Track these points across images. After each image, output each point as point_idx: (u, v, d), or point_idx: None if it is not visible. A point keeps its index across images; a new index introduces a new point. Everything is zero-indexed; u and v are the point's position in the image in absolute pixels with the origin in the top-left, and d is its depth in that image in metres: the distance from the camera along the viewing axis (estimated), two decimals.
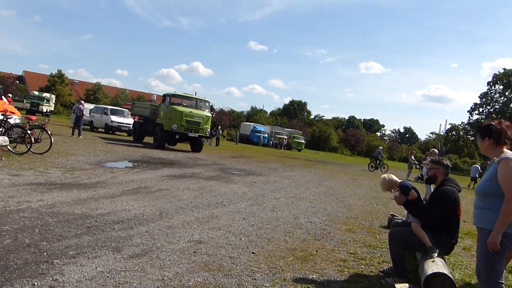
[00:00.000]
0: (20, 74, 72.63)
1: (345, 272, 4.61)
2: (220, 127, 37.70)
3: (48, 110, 41.88)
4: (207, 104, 21.11)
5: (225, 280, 3.91)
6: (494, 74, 58.51)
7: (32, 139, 11.04)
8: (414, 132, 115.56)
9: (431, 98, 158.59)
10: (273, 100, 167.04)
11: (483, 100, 59.35)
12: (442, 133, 69.40)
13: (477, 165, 26.05)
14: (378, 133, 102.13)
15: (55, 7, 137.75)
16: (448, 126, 65.78)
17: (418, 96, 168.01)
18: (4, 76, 56.41)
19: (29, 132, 11.00)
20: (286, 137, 52.60)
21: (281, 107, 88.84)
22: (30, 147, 10.95)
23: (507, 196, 3.05)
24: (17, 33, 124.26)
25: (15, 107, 15.97)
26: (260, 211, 7.62)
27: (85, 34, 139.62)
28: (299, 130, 60.59)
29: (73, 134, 19.60)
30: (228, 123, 61.76)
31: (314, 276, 4.34)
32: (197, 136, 19.75)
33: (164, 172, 11.31)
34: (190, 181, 10.31)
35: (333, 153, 63.76)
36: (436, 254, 4.11)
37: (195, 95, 22.26)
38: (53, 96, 47.05)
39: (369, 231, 7.07)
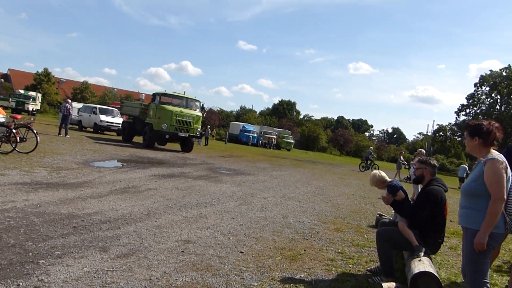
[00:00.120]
0: (5, 72, 71.57)
1: (333, 271, 4.63)
2: (209, 126, 37.60)
3: (34, 109, 41.30)
4: (197, 103, 20.88)
5: (213, 280, 3.90)
6: (481, 75, 59.42)
7: (18, 138, 10.87)
8: (402, 133, 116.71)
9: (419, 99, 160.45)
10: (262, 99, 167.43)
11: (470, 101, 60.20)
12: (429, 134, 70.15)
13: (465, 166, 26.36)
14: (367, 133, 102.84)
15: (42, 4, 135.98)
16: (436, 127, 66.60)
17: (406, 96, 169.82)
18: None
19: (14, 131, 10.83)
20: (275, 137, 52.63)
21: (270, 107, 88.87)
22: (16, 146, 10.79)
23: (493, 197, 3.08)
24: (2, 30, 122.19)
25: (0, 106, 15.70)
26: (248, 210, 7.62)
27: (71, 32, 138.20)
28: (288, 130, 60.70)
29: (59, 133, 19.35)
30: (217, 123, 61.64)
31: (302, 275, 4.35)
32: (187, 136, 19.53)
33: (152, 171, 11.23)
34: (178, 180, 10.26)
35: (322, 153, 63.98)
36: (422, 253, 4.15)
37: (184, 94, 22.09)
38: (39, 95, 46.45)
39: (357, 230, 7.11)
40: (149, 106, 20.51)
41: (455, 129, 62.42)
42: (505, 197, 3.11)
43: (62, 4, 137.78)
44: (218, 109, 73.31)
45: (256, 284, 3.94)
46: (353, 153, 70.49)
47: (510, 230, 3.33)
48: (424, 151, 13.49)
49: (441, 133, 64.54)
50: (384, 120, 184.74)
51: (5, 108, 26.41)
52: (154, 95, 20.33)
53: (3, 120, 11.99)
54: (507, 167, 3.18)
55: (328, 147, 69.71)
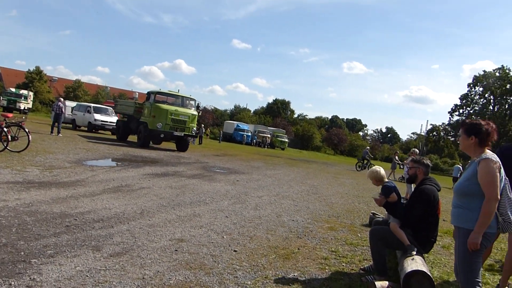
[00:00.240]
0: None
1: (326, 270, 4.64)
2: (203, 125, 37.51)
3: (25, 108, 40.95)
4: (193, 102, 20.59)
5: (206, 279, 3.90)
6: (474, 76, 60.04)
7: (9, 137, 10.78)
8: (396, 132, 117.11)
9: (412, 99, 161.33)
10: (256, 98, 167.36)
11: (464, 101, 60.73)
12: (423, 134, 70.59)
13: (459, 166, 26.51)
14: (361, 133, 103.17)
15: (33, 1, 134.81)
16: (429, 127, 67.10)
17: (400, 96, 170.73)
18: None
19: (5, 129, 10.73)
20: (269, 136, 52.65)
21: (264, 105, 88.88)
22: (7, 145, 10.70)
23: (487, 197, 3.08)
24: None
25: None
26: (242, 209, 7.61)
27: (64, 30, 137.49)
28: (282, 129, 60.74)
29: (52, 132, 19.21)
30: (211, 122, 61.55)
31: (295, 274, 4.35)
32: (182, 135, 19.25)
33: (146, 170, 11.19)
34: (172, 179, 10.23)
35: (316, 152, 64.10)
36: (414, 252, 4.18)
37: (178, 92, 21.91)
38: (31, 93, 46.04)
39: (350, 229, 7.14)
40: (144, 104, 20.22)
41: (449, 129, 62.96)
42: (499, 196, 3.12)
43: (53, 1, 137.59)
44: (212, 108, 73.25)
45: (249, 283, 3.94)
46: (347, 152, 70.76)
47: (503, 229, 3.35)
48: (417, 151, 13.57)
49: (434, 133, 65.03)
50: (378, 119, 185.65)
51: None
52: (149, 93, 20.00)
53: None
54: (500, 167, 3.17)
55: (322, 146, 69.88)
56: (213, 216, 6.72)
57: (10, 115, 12.53)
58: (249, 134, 52.31)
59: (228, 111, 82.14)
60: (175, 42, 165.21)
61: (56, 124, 19.31)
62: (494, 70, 58.48)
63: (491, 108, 59.26)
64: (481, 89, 59.44)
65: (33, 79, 58.21)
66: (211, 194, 8.75)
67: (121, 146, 18.50)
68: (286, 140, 55.29)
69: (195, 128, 20.12)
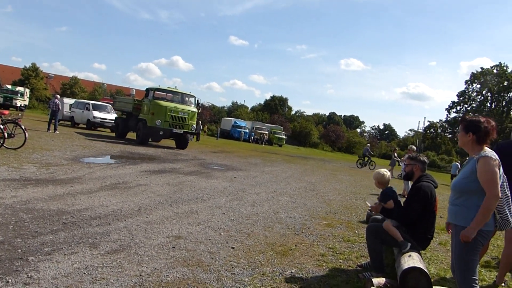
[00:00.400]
0: None
1: (324, 267, 4.65)
2: (200, 122, 37.45)
3: (22, 105, 40.72)
4: (192, 99, 20.31)
5: (204, 276, 3.90)
6: (472, 73, 60.17)
7: (5, 134, 10.74)
8: (394, 129, 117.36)
9: (410, 96, 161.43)
10: (254, 95, 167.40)
11: (461, 98, 60.87)
12: (420, 130, 70.79)
13: (457, 163, 26.56)
14: (358, 130, 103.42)
15: None
16: (427, 124, 67.26)
17: (397, 93, 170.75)
18: None
19: (1, 127, 10.69)
20: (267, 132, 52.71)
21: (262, 102, 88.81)
22: (3, 142, 10.66)
23: (488, 194, 3.04)
24: None
25: None
26: (240, 206, 7.62)
27: (60, 26, 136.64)
28: (280, 125, 60.82)
29: (48, 129, 19.15)
30: (208, 118, 61.47)
31: (293, 271, 4.36)
32: (182, 132, 19.00)
33: (143, 167, 11.17)
34: (169, 176, 10.22)
35: (314, 148, 64.22)
36: (407, 248, 4.19)
37: (175, 88, 21.73)
38: (28, 90, 45.78)
39: (348, 226, 7.15)
40: (143, 101, 19.94)
41: (446, 126, 63.13)
42: (500, 195, 3.08)
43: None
44: (210, 104, 73.08)
45: (247, 279, 3.95)
46: (345, 149, 70.91)
47: (500, 227, 3.34)
48: (415, 148, 13.57)
49: (432, 129, 65.18)
50: (375, 116, 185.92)
51: None
52: (148, 90, 19.71)
53: None
54: (500, 165, 3.14)
55: (319, 143, 70.00)
56: (211, 213, 6.72)
57: (6, 112, 12.45)
58: (247, 131, 52.31)
59: (226, 108, 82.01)
60: (172, 39, 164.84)
61: (53, 121, 19.23)
62: (491, 67, 58.65)
63: (489, 105, 59.43)
64: (478, 86, 59.59)
65: (29, 76, 57.88)
66: (209, 191, 8.75)
67: (118, 143, 18.44)
68: (284, 136, 55.36)
69: (194, 125, 19.90)
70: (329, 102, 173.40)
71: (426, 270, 3.79)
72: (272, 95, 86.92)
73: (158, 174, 10.31)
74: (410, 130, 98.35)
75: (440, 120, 65.27)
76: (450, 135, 62.44)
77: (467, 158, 3.42)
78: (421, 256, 4.28)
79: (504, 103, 58.12)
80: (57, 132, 18.85)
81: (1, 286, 3.20)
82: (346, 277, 4.37)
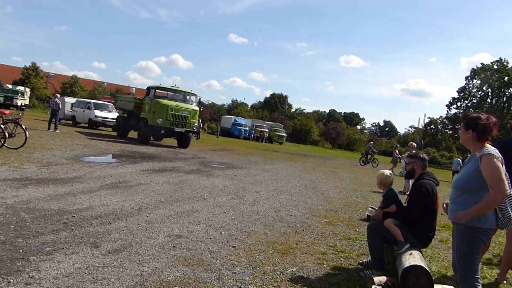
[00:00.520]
0: None
1: (325, 265, 4.66)
2: (200, 120, 37.44)
3: (23, 104, 40.77)
4: (194, 97, 20.17)
5: (204, 275, 3.91)
6: (472, 68, 59.93)
7: (6, 133, 10.75)
8: (394, 126, 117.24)
9: (410, 92, 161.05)
10: (254, 93, 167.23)
11: (461, 94, 60.74)
12: (420, 127, 70.71)
13: (459, 159, 26.51)
14: (358, 127, 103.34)
15: None
16: (427, 120, 67.11)
17: (397, 90, 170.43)
18: None
19: (2, 126, 10.70)
20: (267, 130, 52.67)
21: (262, 100, 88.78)
22: (4, 142, 10.67)
23: (496, 190, 2.99)
24: None
25: None
26: (240, 204, 7.62)
27: (59, 25, 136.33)
28: (280, 123, 60.77)
29: (49, 128, 19.16)
30: (208, 116, 61.45)
31: (294, 269, 4.37)
32: (183, 131, 18.83)
33: (143, 166, 11.18)
34: (170, 175, 10.22)
35: (314, 146, 64.20)
36: (405, 248, 4.19)
37: (175, 86, 21.62)
38: (28, 90, 45.83)
39: (348, 224, 7.16)
40: (144, 100, 19.81)
41: (446, 122, 63.01)
42: (508, 192, 3.04)
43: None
44: (210, 102, 73.06)
45: (248, 278, 3.95)
46: (345, 146, 70.86)
47: (502, 225, 3.32)
48: (415, 145, 13.57)
49: (432, 126, 65.08)
50: (375, 113, 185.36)
51: None
52: (149, 88, 19.58)
53: None
54: (503, 162, 3.12)
55: (320, 140, 69.98)
56: (211, 211, 6.72)
57: (7, 112, 12.47)
58: (247, 128, 52.31)
59: (226, 106, 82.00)
60: (171, 37, 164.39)
61: (53, 120, 19.24)
62: (492, 63, 58.46)
63: (489, 101, 59.32)
64: (478, 82, 59.46)
65: (30, 75, 57.90)
66: (209, 190, 8.75)
67: (119, 142, 18.45)
68: (284, 134, 55.33)
69: (196, 124, 19.72)
70: (329, 99, 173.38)
71: (427, 268, 3.79)
72: (272, 93, 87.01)
73: (158, 173, 10.32)
74: (411, 126, 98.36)
75: (441, 116, 65.21)
76: (450, 132, 62.37)
77: (469, 155, 3.40)
78: (422, 254, 4.28)
79: (504, 99, 57.98)
80: (57, 131, 18.86)
81: (3, 286, 3.20)
82: (347, 275, 4.37)
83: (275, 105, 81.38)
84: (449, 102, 62.06)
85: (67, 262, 3.81)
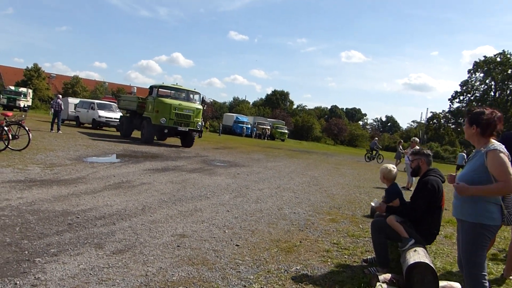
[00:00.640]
0: None
1: (329, 263, 4.66)
2: (202, 118, 37.43)
3: (25, 105, 40.95)
4: (197, 96, 20.03)
5: (209, 274, 3.92)
6: (475, 62, 59.41)
7: (10, 135, 10.79)
8: (396, 121, 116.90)
9: (412, 87, 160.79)
10: (255, 90, 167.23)
11: (464, 88, 60.35)
12: (423, 122, 70.47)
13: (463, 153, 26.41)
14: (361, 122, 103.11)
15: None
16: (429, 115, 66.87)
17: (399, 84, 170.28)
18: None
19: (5, 128, 10.74)
20: (269, 127, 52.66)
21: (263, 97, 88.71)
22: (8, 144, 10.71)
23: (504, 183, 2.97)
24: None
25: None
26: (243, 202, 7.63)
27: (60, 26, 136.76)
28: (282, 120, 60.73)
29: (52, 129, 19.22)
30: (210, 114, 61.49)
31: (298, 267, 4.37)
32: (187, 130, 18.59)
33: (146, 165, 11.20)
34: (172, 174, 10.24)
35: (316, 142, 64.14)
36: (407, 246, 4.18)
37: (176, 85, 21.47)
38: (30, 91, 46.01)
39: (352, 220, 7.16)
40: (147, 99, 19.58)
41: (449, 116, 62.66)
42: None
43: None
44: (211, 100, 73.08)
45: (252, 277, 3.96)
46: (347, 142, 70.77)
47: (507, 222, 3.31)
48: (418, 140, 13.54)
49: (435, 120, 64.81)
50: (377, 108, 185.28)
51: None
52: (151, 87, 19.36)
53: None
54: (509, 157, 3.09)
55: (322, 136, 69.91)
56: (215, 210, 6.74)
57: (10, 113, 12.51)
58: (249, 126, 52.31)
59: (227, 104, 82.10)
60: (171, 35, 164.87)
61: (56, 121, 19.29)
62: (495, 56, 58.01)
63: (492, 94, 58.95)
64: (481, 75, 59.06)
65: (32, 77, 58.08)
66: (212, 188, 8.77)
67: (121, 142, 18.46)
68: (286, 131, 55.31)
69: (200, 123, 19.48)
70: (331, 95, 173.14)
71: (432, 265, 3.78)
72: (273, 90, 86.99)
73: (161, 172, 10.34)
74: (413, 121, 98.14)
75: (443, 110, 64.83)
76: (453, 126, 62.07)
77: (474, 150, 3.37)
78: (426, 251, 4.27)
79: (508, 92, 57.56)
80: (60, 132, 18.91)
81: None
82: (352, 273, 4.37)
83: (276, 102, 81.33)
84: (452, 96, 61.75)
85: (72, 263, 3.83)
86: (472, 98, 59.14)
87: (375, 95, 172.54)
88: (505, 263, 5.00)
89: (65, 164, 9.81)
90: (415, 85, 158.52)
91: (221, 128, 47.14)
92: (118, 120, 24.52)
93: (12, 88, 44.55)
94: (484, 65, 57.87)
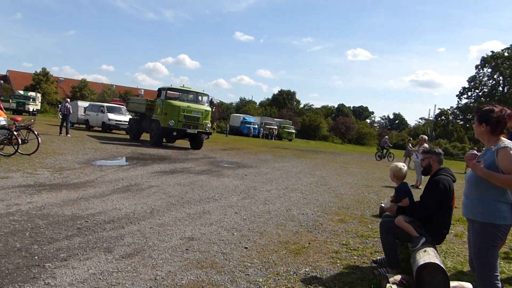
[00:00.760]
0: (4, 73, 71.59)
1: (338, 264, 4.63)
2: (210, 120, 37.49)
3: (34, 109, 41.41)
4: (205, 98, 19.92)
5: (218, 277, 3.91)
6: (482, 57, 58.80)
7: (19, 140, 10.90)
8: (404, 118, 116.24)
9: (419, 83, 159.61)
10: (261, 90, 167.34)
11: (472, 83, 59.80)
12: (431, 118, 69.98)
13: (473, 151, 26.15)
14: (368, 120, 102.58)
15: (36, 3, 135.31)
16: (437, 111, 66.39)
17: (406, 81, 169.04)
18: None
19: (15, 133, 10.85)
20: (276, 127, 52.67)
21: (270, 97, 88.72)
22: (18, 148, 10.81)
23: None
24: None
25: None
26: (252, 204, 7.62)
27: (68, 30, 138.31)
28: (289, 120, 60.69)
29: (60, 133, 19.38)
30: (217, 115, 61.59)
31: (307, 269, 4.35)
32: (196, 132, 18.50)
33: (154, 168, 11.24)
34: (180, 176, 10.27)
35: (324, 141, 63.98)
36: (421, 242, 4.13)
37: (183, 87, 21.47)
38: (39, 95, 46.55)
39: (361, 220, 7.11)
40: (155, 102, 19.59)
41: (457, 112, 62.10)
42: None
43: (56, 2, 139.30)
44: (218, 101, 73.17)
45: (261, 280, 3.95)
46: (355, 140, 70.48)
47: None
48: (426, 137, 13.44)
49: (443, 117, 64.28)
50: (385, 106, 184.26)
51: (6, 109, 26.33)
52: (160, 90, 19.32)
53: (4, 123, 12.00)
54: None
55: (329, 135, 69.71)
56: (223, 212, 6.74)
57: (19, 118, 12.64)
58: (256, 126, 52.34)
59: (234, 104, 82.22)
60: (177, 37, 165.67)
61: (65, 124, 19.45)
62: (502, 50, 57.40)
63: (501, 89, 58.30)
64: (489, 70, 58.44)
65: (40, 81, 58.77)
66: (220, 190, 8.77)
67: (129, 145, 18.55)
68: (293, 131, 55.26)
69: (209, 125, 19.38)
70: (337, 93, 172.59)
71: (442, 265, 3.74)
72: (280, 89, 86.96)
73: (169, 174, 10.37)
74: (421, 118, 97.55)
75: (451, 107, 64.28)
76: (461, 122, 61.50)
77: (483, 148, 3.33)
78: (436, 251, 4.22)
79: None
80: (69, 135, 19.07)
81: None
82: (361, 274, 4.34)
83: (283, 101, 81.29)
84: (460, 92, 61.18)
85: (82, 268, 3.85)
86: (480, 93, 58.56)
87: (382, 92, 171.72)
88: None
89: (74, 167, 9.88)
90: (422, 82, 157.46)
91: (228, 129, 47.20)
92: (127, 123, 24.53)
93: (21, 92, 45.09)
94: (491, 60, 57.28)
